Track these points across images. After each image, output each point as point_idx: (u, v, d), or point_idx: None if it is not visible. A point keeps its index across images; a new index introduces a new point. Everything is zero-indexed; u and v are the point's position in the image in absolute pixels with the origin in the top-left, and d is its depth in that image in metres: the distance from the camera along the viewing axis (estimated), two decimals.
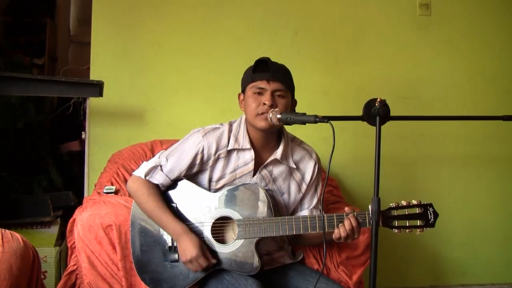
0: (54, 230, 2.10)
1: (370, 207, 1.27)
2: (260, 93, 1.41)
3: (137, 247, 1.45)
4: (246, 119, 1.47)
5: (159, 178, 1.45)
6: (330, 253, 1.61)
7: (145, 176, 1.45)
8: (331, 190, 2.01)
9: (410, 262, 2.44)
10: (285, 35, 2.36)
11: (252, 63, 1.45)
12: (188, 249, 1.37)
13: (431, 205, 1.40)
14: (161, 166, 1.45)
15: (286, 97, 1.43)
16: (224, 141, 1.45)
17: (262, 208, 1.43)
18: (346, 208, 1.41)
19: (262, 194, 1.43)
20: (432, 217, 1.39)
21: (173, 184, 1.47)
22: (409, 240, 2.40)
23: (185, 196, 1.47)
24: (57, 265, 1.99)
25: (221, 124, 1.50)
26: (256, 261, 1.40)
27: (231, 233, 1.45)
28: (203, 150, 1.44)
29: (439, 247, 2.46)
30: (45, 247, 1.98)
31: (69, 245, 1.60)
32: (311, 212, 1.53)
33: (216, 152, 1.44)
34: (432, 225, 1.40)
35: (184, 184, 1.47)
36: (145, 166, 1.46)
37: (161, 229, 1.44)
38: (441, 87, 2.47)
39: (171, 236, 1.43)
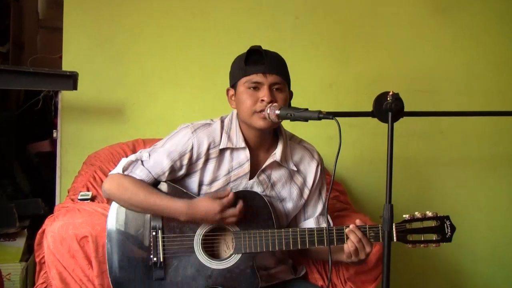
0: (20, 243, 2.10)
1: (382, 218, 1.28)
2: (256, 87, 1.41)
3: (115, 263, 1.42)
4: (238, 116, 1.48)
5: (140, 174, 1.42)
6: (336, 268, 1.62)
7: (123, 171, 1.42)
8: (337, 196, 2.02)
9: (428, 277, 2.46)
10: (284, 20, 2.36)
11: (246, 51, 1.44)
12: (207, 212, 1.36)
13: (448, 217, 1.44)
14: (142, 161, 1.44)
15: (284, 91, 1.43)
16: (216, 138, 1.45)
17: (263, 219, 1.43)
18: (357, 221, 1.43)
19: (263, 203, 1.44)
20: (449, 230, 1.43)
21: (156, 185, 1.46)
22: (427, 252, 2.41)
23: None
24: (23, 283, 1.99)
25: (212, 120, 1.50)
26: (255, 278, 1.41)
27: (223, 246, 1.46)
28: (192, 148, 1.44)
29: (461, 260, 2.48)
30: (9, 262, 1.97)
31: (37, 260, 1.59)
32: (318, 221, 1.54)
33: (207, 151, 1.44)
34: (449, 239, 1.44)
35: (168, 188, 1.46)
36: (123, 162, 1.45)
37: (143, 241, 1.44)
38: (462, 78, 2.48)
39: (179, 218, 1.40)
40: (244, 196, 1.44)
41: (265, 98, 1.39)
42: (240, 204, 1.39)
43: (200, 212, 1.38)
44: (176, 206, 1.39)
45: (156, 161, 1.43)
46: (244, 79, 1.42)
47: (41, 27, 3.53)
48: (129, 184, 1.40)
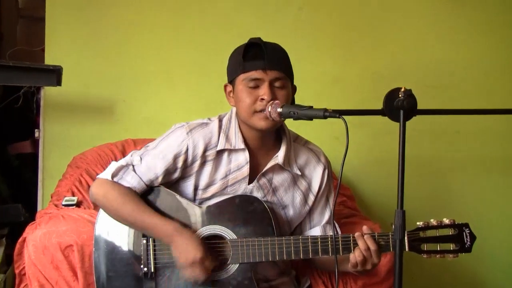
0: None
1: (393, 225, 1.28)
2: (256, 85, 1.40)
3: (103, 273, 1.43)
4: (238, 115, 1.47)
5: (130, 180, 1.43)
6: (343, 280, 1.62)
7: (113, 177, 1.43)
8: (344, 201, 2.02)
9: None
10: (287, 11, 2.36)
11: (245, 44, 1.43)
12: (188, 250, 1.35)
13: (467, 225, 1.43)
14: (133, 165, 1.45)
15: (287, 87, 1.43)
16: (213, 139, 1.45)
17: (262, 226, 1.43)
18: (364, 228, 1.42)
19: (262, 209, 1.44)
20: (469, 240, 1.42)
21: (147, 192, 1.47)
22: (443, 263, 2.41)
23: (163, 209, 1.46)
24: None
25: (209, 119, 1.50)
26: None
27: (221, 256, 1.45)
28: (187, 150, 1.44)
29: (481, 272, 2.47)
30: None
31: (17, 271, 1.59)
32: (324, 230, 1.54)
33: (204, 153, 1.44)
34: (468, 249, 1.42)
35: (161, 192, 1.47)
36: (113, 166, 1.46)
37: (133, 250, 1.44)
38: (480, 73, 2.48)
39: (162, 240, 1.41)
40: (241, 200, 1.44)
41: (265, 97, 1.38)
42: (216, 263, 1.38)
43: (181, 245, 1.36)
44: (164, 228, 1.38)
45: (149, 165, 1.44)
46: (242, 76, 1.41)
47: (22, 16, 3.52)
48: (117, 195, 1.40)
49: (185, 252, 1.36)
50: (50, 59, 2.20)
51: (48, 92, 2.17)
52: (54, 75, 1.94)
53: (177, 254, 1.38)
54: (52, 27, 2.24)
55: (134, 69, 2.29)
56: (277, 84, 1.41)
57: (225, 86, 1.49)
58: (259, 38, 1.42)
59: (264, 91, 1.39)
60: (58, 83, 1.97)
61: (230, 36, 2.26)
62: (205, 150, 1.44)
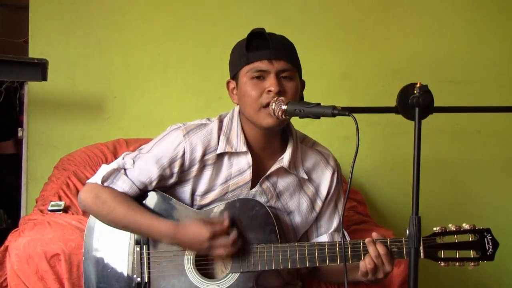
0: None
1: (407, 231, 1.28)
2: (261, 77, 1.40)
3: (93, 284, 1.44)
4: (241, 113, 1.48)
5: (122, 185, 1.44)
6: None
7: (103, 182, 1.44)
8: (355, 207, 2.02)
9: None
10: (292, 1, 2.37)
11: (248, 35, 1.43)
12: (195, 236, 1.37)
13: (488, 230, 1.42)
14: (125, 169, 1.45)
15: (295, 79, 1.43)
16: (212, 142, 1.45)
17: (265, 232, 1.44)
18: (374, 234, 1.42)
19: (265, 213, 1.44)
20: (491, 246, 1.41)
21: (141, 196, 1.47)
22: (462, 273, 2.42)
23: (159, 214, 1.46)
24: None
25: (209, 120, 1.50)
26: None
27: (221, 265, 1.46)
28: (183, 154, 1.44)
29: (505, 282, 2.47)
30: None
31: None
32: (332, 238, 1.54)
33: (202, 157, 1.45)
34: (491, 257, 1.42)
35: (156, 197, 1.48)
36: (103, 170, 1.46)
37: (126, 258, 1.45)
38: (502, 67, 2.48)
39: (161, 240, 1.42)
40: (242, 204, 1.44)
41: (272, 88, 1.38)
42: (234, 235, 1.38)
43: (186, 237, 1.38)
44: (161, 227, 1.40)
45: (142, 169, 1.44)
46: (246, 68, 1.41)
47: (2, 4, 3.53)
48: (108, 197, 1.41)
49: (192, 241, 1.38)
50: (34, 52, 2.21)
51: (32, 88, 2.18)
52: (39, 69, 1.95)
53: (189, 248, 1.40)
54: (36, 16, 2.24)
55: (126, 62, 2.30)
56: (284, 75, 1.41)
57: (228, 82, 1.49)
58: (263, 29, 1.43)
59: (270, 82, 1.39)
60: (43, 77, 1.97)
61: (230, 26, 2.28)
62: (203, 154, 1.45)
